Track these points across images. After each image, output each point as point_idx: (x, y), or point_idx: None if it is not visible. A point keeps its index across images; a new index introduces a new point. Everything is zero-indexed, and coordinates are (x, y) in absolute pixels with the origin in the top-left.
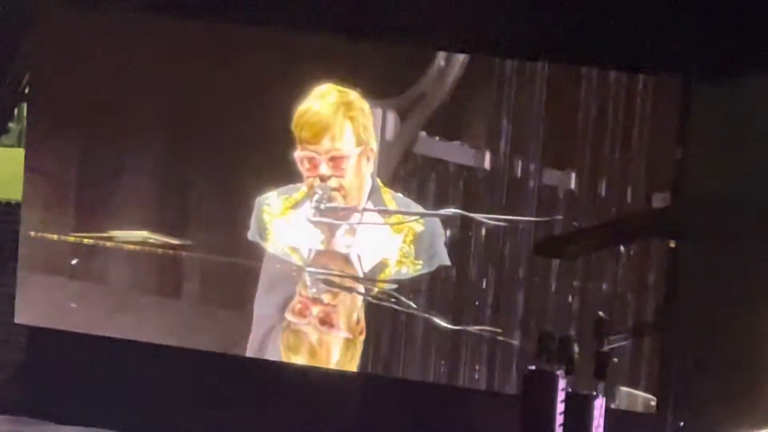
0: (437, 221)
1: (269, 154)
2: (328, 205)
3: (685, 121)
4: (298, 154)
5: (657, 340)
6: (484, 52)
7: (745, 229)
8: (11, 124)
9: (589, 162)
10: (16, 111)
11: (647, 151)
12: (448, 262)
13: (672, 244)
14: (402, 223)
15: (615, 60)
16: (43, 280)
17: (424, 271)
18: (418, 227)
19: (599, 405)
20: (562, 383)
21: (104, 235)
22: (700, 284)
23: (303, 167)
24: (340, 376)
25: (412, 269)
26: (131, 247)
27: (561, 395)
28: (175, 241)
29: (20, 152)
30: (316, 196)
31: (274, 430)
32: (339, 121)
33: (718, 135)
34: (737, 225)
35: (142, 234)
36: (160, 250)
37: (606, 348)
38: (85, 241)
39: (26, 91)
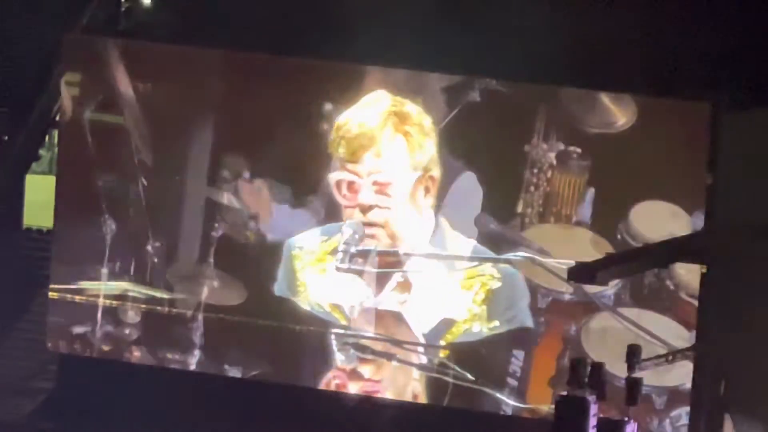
0: (519, 276)
1: (303, 182)
2: (360, 248)
3: (716, 147)
4: (333, 176)
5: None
6: (527, 80)
7: None
8: (42, 152)
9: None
10: (47, 138)
11: (679, 176)
12: (530, 324)
13: (703, 270)
14: (473, 277)
15: (648, 85)
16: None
17: (502, 330)
18: (494, 283)
19: (631, 430)
20: (594, 409)
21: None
22: (729, 309)
23: (340, 194)
24: None
25: (485, 328)
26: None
27: (593, 421)
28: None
29: (51, 180)
30: (347, 234)
31: None
32: (388, 135)
33: (748, 161)
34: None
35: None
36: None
37: (638, 372)
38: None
39: (57, 118)
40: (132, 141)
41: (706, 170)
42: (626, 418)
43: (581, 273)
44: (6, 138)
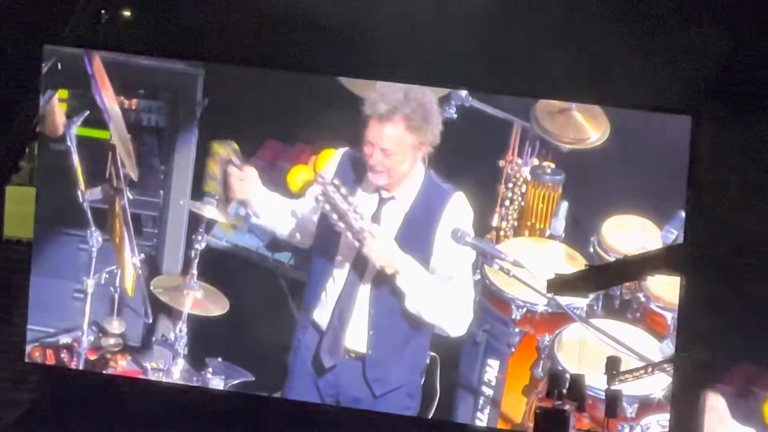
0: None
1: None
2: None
3: (697, 160)
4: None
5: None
6: (512, 93)
7: (755, 266)
8: (22, 163)
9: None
10: (27, 150)
11: (650, 190)
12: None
13: (683, 281)
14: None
15: (628, 99)
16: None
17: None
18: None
19: None
20: (572, 421)
21: None
22: (708, 319)
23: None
24: None
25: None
26: None
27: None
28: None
29: (31, 191)
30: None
31: None
32: None
33: (727, 174)
34: (746, 261)
35: None
36: None
37: (617, 384)
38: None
39: (37, 129)
40: (117, 155)
41: (687, 183)
42: (605, 431)
43: (561, 285)
44: None
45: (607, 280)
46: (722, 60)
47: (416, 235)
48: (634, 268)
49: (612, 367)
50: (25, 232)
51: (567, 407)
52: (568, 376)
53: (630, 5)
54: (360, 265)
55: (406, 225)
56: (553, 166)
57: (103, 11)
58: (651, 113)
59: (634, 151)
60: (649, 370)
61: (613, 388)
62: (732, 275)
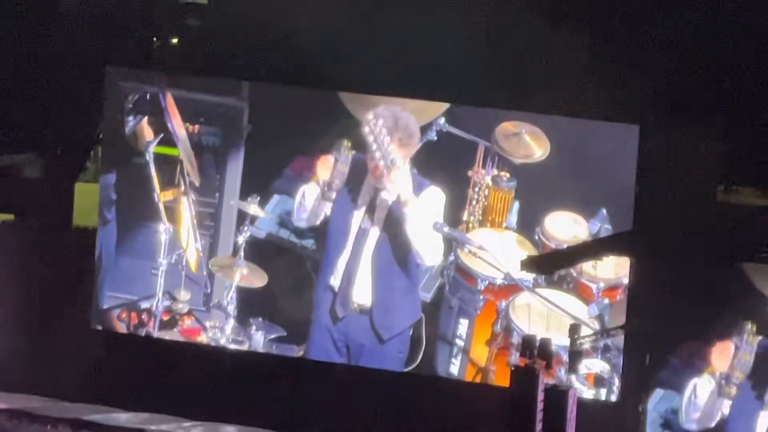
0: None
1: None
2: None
3: (643, 162)
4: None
5: (619, 341)
6: (467, 103)
7: (694, 248)
8: (88, 164)
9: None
10: (92, 153)
11: (586, 192)
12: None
13: (632, 262)
14: None
15: (586, 110)
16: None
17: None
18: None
19: (572, 395)
20: (542, 377)
21: None
22: (654, 294)
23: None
24: None
25: None
26: None
27: (541, 386)
28: None
29: (96, 187)
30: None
31: None
32: None
33: (668, 172)
34: (686, 245)
35: None
36: None
37: (578, 346)
38: None
39: (100, 136)
40: (184, 167)
41: (635, 181)
42: (568, 386)
43: (532, 264)
44: (59, 151)
45: (568, 260)
46: (667, 73)
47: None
48: (590, 251)
49: (574, 332)
50: (90, 221)
51: (537, 366)
52: (538, 339)
53: (581, 22)
54: (372, 208)
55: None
56: (508, 175)
57: (155, 38)
58: (601, 122)
59: (569, 163)
60: (603, 335)
61: (574, 349)
62: (673, 259)
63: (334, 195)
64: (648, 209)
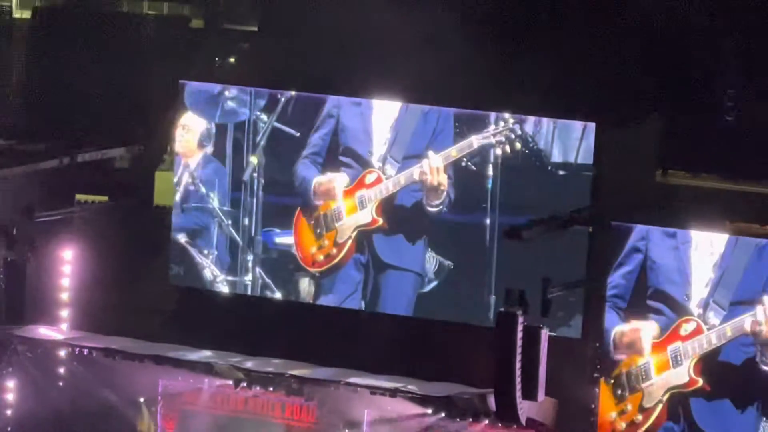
0: None
1: None
2: None
3: (600, 152)
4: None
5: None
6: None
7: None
8: (165, 156)
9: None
10: (168, 148)
11: (574, 172)
12: None
13: (590, 230)
14: None
15: (549, 109)
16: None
17: None
18: None
19: (544, 334)
20: (521, 320)
21: None
22: (605, 256)
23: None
24: None
25: None
26: None
27: (520, 327)
28: None
29: (170, 174)
30: None
31: None
32: None
33: (623, 161)
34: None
35: None
36: None
37: (551, 295)
38: None
39: (176, 137)
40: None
41: (594, 168)
42: (541, 326)
43: (512, 232)
44: (143, 147)
45: (544, 230)
46: (622, 74)
47: None
48: (560, 221)
49: (546, 283)
50: (167, 201)
51: (519, 312)
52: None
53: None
54: None
55: None
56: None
57: (216, 58)
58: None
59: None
60: (564, 288)
61: (547, 297)
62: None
63: None
64: (602, 189)
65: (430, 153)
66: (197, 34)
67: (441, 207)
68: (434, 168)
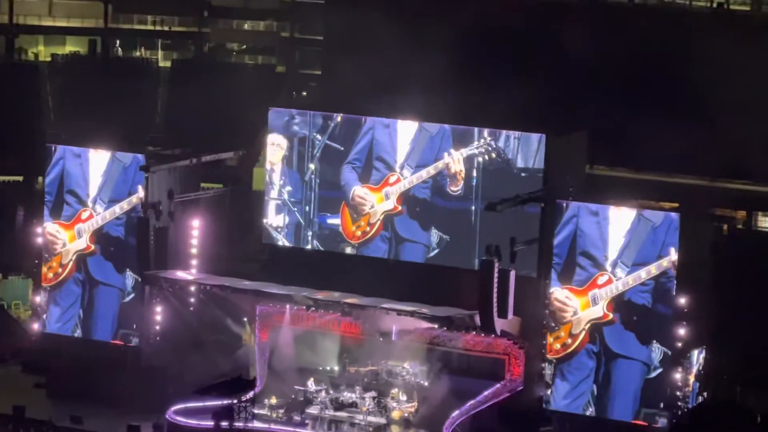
0: None
1: None
2: None
3: (548, 154)
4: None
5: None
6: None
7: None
8: (259, 158)
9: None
10: (261, 152)
11: (532, 174)
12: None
13: (542, 206)
14: None
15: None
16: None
17: None
18: None
19: (512, 274)
20: (497, 266)
21: None
22: (551, 223)
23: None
24: None
25: None
26: None
27: (496, 270)
28: None
29: (263, 171)
30: None
31: None
32: None
33: (563, 159)
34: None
35: None
36: None
37: (516, 249)
38: None
39: (267, 147)
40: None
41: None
42: (510, 269)
43: (491, 206)
44: (245, 152)
45: (514, 203)
46: (565, 99)
47: None
48: (521, 201)
49: (513, 243)
50: (261, 186)
51: (495, 260)
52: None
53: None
54: None
55: None
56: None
57: (294, 92)
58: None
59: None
60: (530, 243)
61: (514, 250)
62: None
63: None
64: (549, 178)
65: (452, 150)
66: (280, 77)
67: (459, 191)
68: (456, 159)
